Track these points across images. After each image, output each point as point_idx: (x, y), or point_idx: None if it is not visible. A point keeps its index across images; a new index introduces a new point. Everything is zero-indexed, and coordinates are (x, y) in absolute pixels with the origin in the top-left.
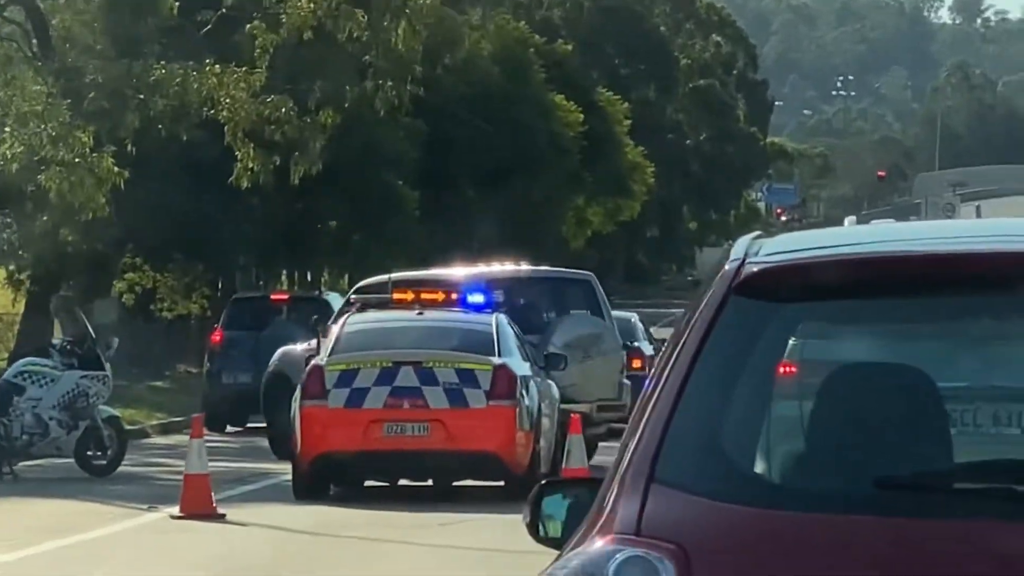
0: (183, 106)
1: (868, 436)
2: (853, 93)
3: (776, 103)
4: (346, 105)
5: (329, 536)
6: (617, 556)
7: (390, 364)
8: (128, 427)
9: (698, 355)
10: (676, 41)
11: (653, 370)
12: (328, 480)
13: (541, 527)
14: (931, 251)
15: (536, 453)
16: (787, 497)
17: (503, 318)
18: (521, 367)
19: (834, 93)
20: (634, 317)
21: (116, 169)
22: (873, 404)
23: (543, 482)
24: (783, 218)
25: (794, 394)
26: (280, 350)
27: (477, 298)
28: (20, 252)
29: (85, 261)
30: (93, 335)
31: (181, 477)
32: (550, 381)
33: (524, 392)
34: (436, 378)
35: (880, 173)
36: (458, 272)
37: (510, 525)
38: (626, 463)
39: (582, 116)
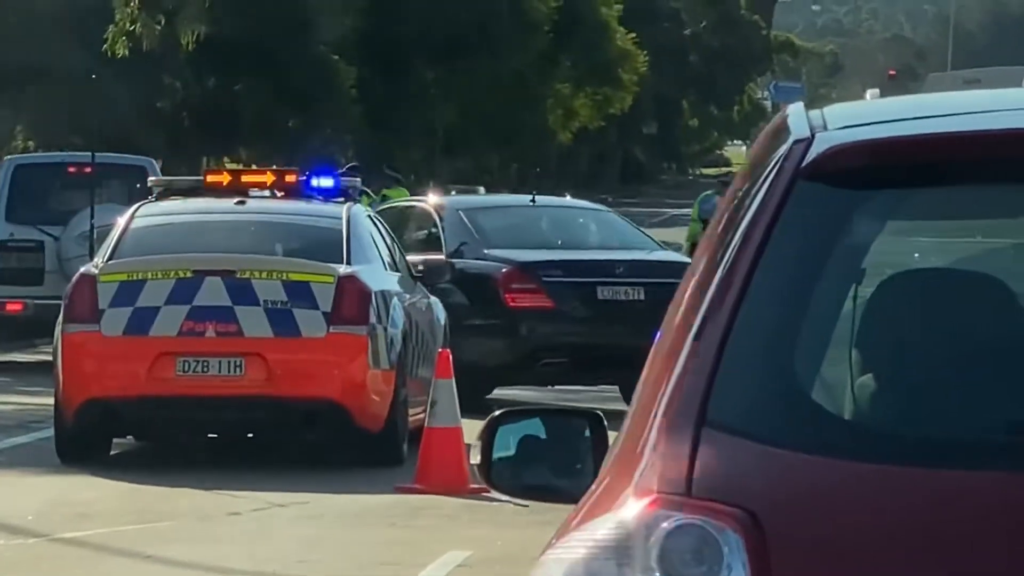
0: None
1: (987, 367)
2: None
3: None
4: None
5: (39, 538)
6: (663, 524)
7: (190, 274)
8: None
9: (758, 260)
10: None
11: (685, 279)
12: (102, 435)
13: (496, 468)
14: None
15: (400, 401)
16: (890, 446)
17: (359, 210)
18: (381, 278)
19: None
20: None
21: None
22: (985, 326)
23: (497, 413)
24: None
25: (879, 311)
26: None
27: (324, 181)
28: None
29: None
30: None
31: None
32: (432, 299)
33: (383, 314)
34: (255, 294)
35: (891, 72)
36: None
37: (346, 514)
38: (664, 399)
39: None
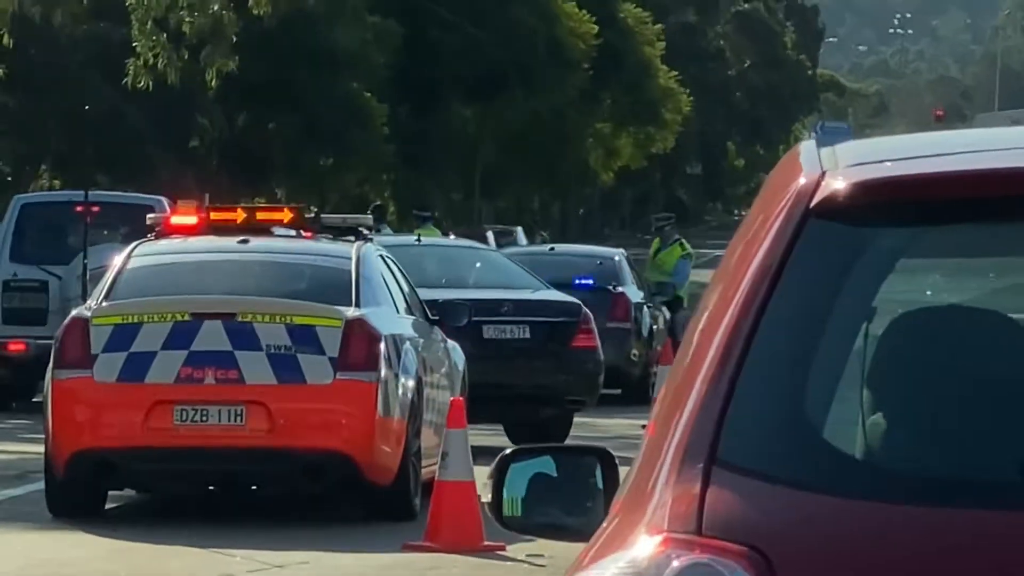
0: None
1: (1000, 406)
2: (911, 31)
3: (830, 39)
4: None
5: None
6: (674, 563)
7: (188, 317)
8: None
9: (769, 298)
10: None
11: (697, 316)
12: (95, 488)
13: (507, 506)
14: None
15: (412, 453)
16: (901, 485)
17: (370, 249)
18: (393, 322)
19: (891, 31)
20: (618, 255)
21: None
22: (997, 365)
23: (508, 451)
24: None
25: (890, 349)
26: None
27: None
28: None
29: None
30: None
31: None
32: (450, 343)
33: (394, 360)
34: (257, 338)
35: (938, 112)
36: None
37: None
38: (675, 437)
39: (596, 28)
